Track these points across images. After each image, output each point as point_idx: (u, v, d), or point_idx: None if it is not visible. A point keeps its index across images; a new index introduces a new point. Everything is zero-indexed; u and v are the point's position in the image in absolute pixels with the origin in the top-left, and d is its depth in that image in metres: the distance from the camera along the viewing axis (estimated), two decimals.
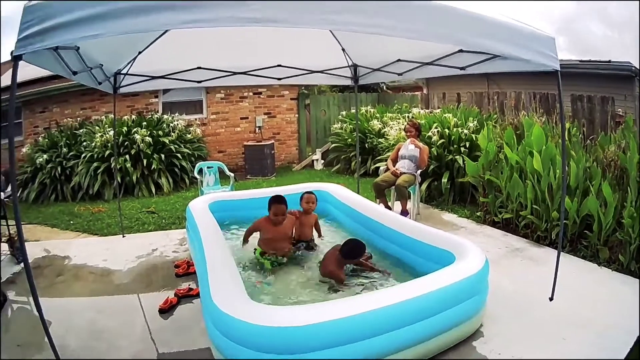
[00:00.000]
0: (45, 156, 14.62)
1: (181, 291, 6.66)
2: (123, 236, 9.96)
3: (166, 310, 6.19)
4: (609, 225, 7.19)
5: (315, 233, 7.84)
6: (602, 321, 5.36)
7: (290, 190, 9.11)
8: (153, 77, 9.19)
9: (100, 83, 7.73)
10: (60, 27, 3.47)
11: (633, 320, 5.18)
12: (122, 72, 8.62)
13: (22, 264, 7.96)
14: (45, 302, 5.31)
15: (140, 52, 7.90)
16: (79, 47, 5.51)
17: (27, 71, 19.06)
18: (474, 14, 4.58)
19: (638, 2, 17.03)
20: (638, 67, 13.82)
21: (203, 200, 8.87)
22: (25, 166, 15.30)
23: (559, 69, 5.41)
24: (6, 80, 17.23)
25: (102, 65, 7.17)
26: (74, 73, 5.79)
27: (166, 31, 7.13)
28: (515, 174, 8.80)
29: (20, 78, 12.88)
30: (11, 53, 3.48)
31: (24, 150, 16.08)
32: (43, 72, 18.64)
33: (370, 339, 4.28)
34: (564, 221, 7.50)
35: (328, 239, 7.97)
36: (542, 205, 8.21)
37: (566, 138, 7.84)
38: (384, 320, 4.38)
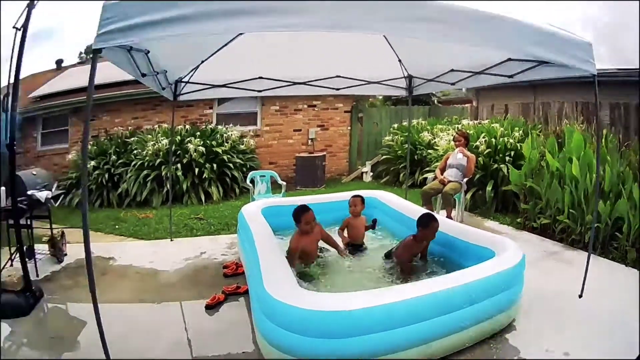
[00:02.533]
0: (92, 163, 15.00)
1: (229, 289, 6.86)
2: (171, 240, 10.15)
3: (212, 307, 6.44)
4: (638, 227, 7.40)
5: (366, 235, 7.97)
6: (627, 317, 5.59)
7: (339, 197, 9.29)
8: (214, 86, 9.40)
9: (163, 89, 8.02)
10: (139, 26, 3.70)
11: None
12: (183, 79, 8.86)
13: (61, 264, 8.43)
14: (88, 299, 5.66)
15: (203, 61, 8.12)
16: (148, 51, 5.78)
17: (77, 80, 19.57)
18: (522, 22, 4.83)
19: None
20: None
21: (256, 205, 9.01)
22: (70, 172, 15.77)
23: (596, 74, 5.62)
24: (49, 88, 17.53)
25: (166, 71, 7.43)
26: (143, 75, 6.06)
27: (230, 41, 7.46)
28: (555, 181, 9.00)
29: (69, 85, 13.26)
30: (90, 47, 3.70)
31: (69, 156, 16.50)
32: (97, 80, 19.25)
33: (416, 324, 4.57)
34: (597, 224, 7.75)
35: (377, 242, 8.17)
36: (577, 209, 8.41)
37: (602, 144, 8.03)
38: (427, 306, 4.67)
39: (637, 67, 15.00)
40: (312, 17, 3.94)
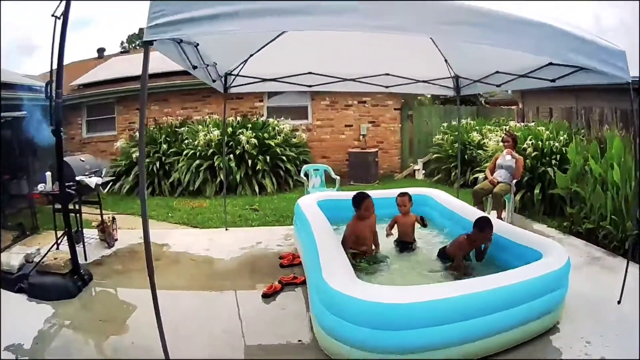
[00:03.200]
0: None
1: (286, 279, 7.03)
2: (226, 229, 10.37)
3: (269, 295, 6.60)
4: None
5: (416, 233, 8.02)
6: None
7: (392, 193, 9.19)
8: (264, 80, 9.63)
9: (214, 81, 8.25)
10: (186, 21, 3.85)
11: None
12: (232, 73, 9.07)
13: (112, 249, 8.70)
14: (139, 284, 6.21)
15: (251, 55, 8.32)
16: (198, 44, 5.90)
17: (120, 69, 19.95)
18: (562, 29, 4.95)
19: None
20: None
21: (312, 197, 9.28)
22: (119, 159, 16.09)
23: (630, 81, 5.77)
24: (93, 76, 17.87)
25: (216, 64, 7.59)
26: (194, 67, 6.22)
27: (278, 36, 7.63)
28: (598, 186, 9.06)
29: (114, 74, 13.70)
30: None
31: (117, 144, 16.88)
32: (139, 71, 19.71)
33: (467, 321, 4.72)
34: (637, 231, 7.66)
35: (429, 238, 8.32)
36: (619, 215, 8.42)
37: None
38: (476, 304, 4.82)
39: None
40: (360, 18, 4.04)
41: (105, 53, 26.43)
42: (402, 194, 7.98)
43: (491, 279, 5.31)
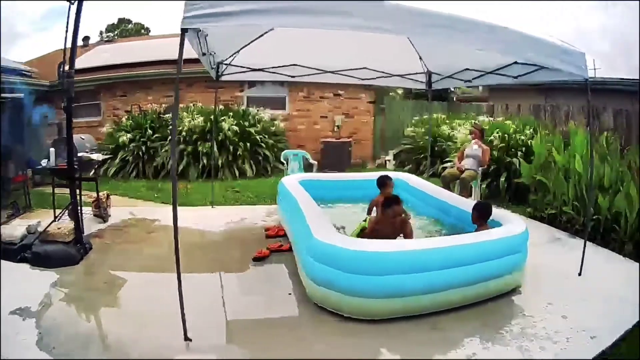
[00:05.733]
0: (129, 135, 15.87)
1: (273, 246, 7.80)
2: (212, 207, 11.06)
3: (259, 259, 7.38)
4: (634, 222, 8.12)
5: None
6: (619, 296, 6.27)
7: (368, 176, 10.27)
8: (252, 69, 10.30)
9: (212, 68, 9.12)
10: (219, 14, 4.46)
11: None
12: (224, 62, 9.69)
13: (106, 223, 9.16)
14: (138, 250, 6.98)
15: (244, 46, 8.85)
16: (207, 35, 6.51)
17: (110, 56, 20.33)
18: (524, 33, 5.81)
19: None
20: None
21: (294, 177, 10.01)
22: (105, 143, 16.48)
23: (588, 79, 6.62)
24: (80, 63, 18.21)
25: (215, 53, 8.27)
26: (203, 54, 6.96)
27: (269, 30, 8.15)
28: (560, 175, 9.79)
29: (102, 62, 14.16)
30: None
31: (103, 129, 17.37)
32: (127, 59, 19.87)
33: (437, 271, 5.60)
34: (597, 216, 8.57)
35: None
36: (581, 202, 9.16)
37: (603, 144, 8.88)
38: (445, 257, 5.67)
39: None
40: (356, 20, 4.76)
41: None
42: (387, 177, 8.63)
43: (461, 237, 6.20)
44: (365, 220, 7.32)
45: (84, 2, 6.51)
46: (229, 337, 5.13)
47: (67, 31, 6.79)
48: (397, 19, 4.94)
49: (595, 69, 23.62)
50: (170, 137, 15.43)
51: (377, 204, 8.13)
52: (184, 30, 4.50)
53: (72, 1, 6.63)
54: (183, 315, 4.83)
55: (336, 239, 5.76)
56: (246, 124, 16.42)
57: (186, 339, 4.80)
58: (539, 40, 6.00)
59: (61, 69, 7.02)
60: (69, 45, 7.00)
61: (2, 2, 8.14)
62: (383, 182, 8.45)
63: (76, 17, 6.69)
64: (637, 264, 7.57)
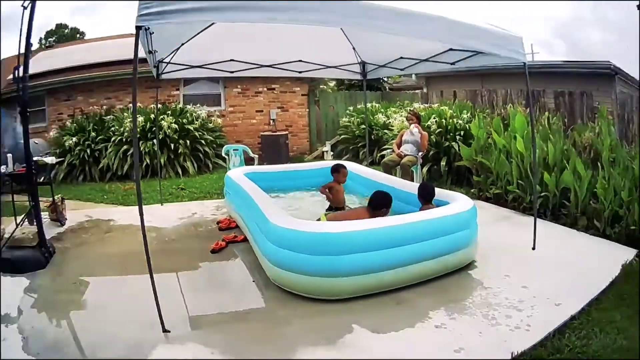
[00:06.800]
0: (74, 139, 15.70)
1: (228, 238, 7.99)
2: (162, 204, 11.16)
3: (217, 251, 7.55)
4: (584, 197, 8.43)
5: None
6: (577, 266, 6.55)
7: (312, 166, 10.81)
8: (191, 66, 10.36)
9: (154, 67, 9.18)
10: (172, 12, 4.55)
11: (604, 269, 6.36)
12: (164, 60, 9.68)
13: (64, 227, 9.11)
14: (99, 250, 7.07)
15: (183, 44, 8.88)
16: (153, 32, 6.46)
17: (53, 61, 20.11)
18: (455, 20, 6.05)
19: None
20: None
21: (239, 170, 10.13)
22: (52, 149, 16.07)
23: (526, 63, 6.95)
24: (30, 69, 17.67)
25: (156, 51, 8.05)
26: (149, 52, 7.06)
27: (208, 27, 8.22)
28: (502, 156, 10.11)
29: (46, 67, 13.93)
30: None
31: (49, 135, 17.18)
32: (69, 63, 19.65)
33: (390, 249, 5.80)
34: (545, 193, 8.92)
35: (353, 205, 9.10)
36: (526, 180, 9.46)
37: (545, 125, 9.28)
38: (398, 234, 5.91)
39: (584, 59, 16.51)
40: (301, 14, 5.03)
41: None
42: (341, 165, 9.01)
43: (411, 216, 6.40)
44: (326, 214, 7.50)
45: (27, 9, 6.51)
46: (203, 328, 5.19)
47: (21, 34, 6.81)
48: (327, 10, 5.12)
49: (533, 52, 24.24)
50: (113, 138, 15.75)
51: (331, 188, 8.65)
52: (138, 28, 4.62)
53: (26, 6, 6.57)
54: (159, 308, 4.95)
55: (294, 224, 5.96)
56: (185, 121, 16.53)
57: (164, 330, 4.91)
58: (471, 27, 6.26)
59: (16, 74, 6.98)
60: (22, 50, 6.97)
61: None
62: (337, 169, 8.76)
63: (29, 21, 6.68)
64: (591, 236, 7.95)
